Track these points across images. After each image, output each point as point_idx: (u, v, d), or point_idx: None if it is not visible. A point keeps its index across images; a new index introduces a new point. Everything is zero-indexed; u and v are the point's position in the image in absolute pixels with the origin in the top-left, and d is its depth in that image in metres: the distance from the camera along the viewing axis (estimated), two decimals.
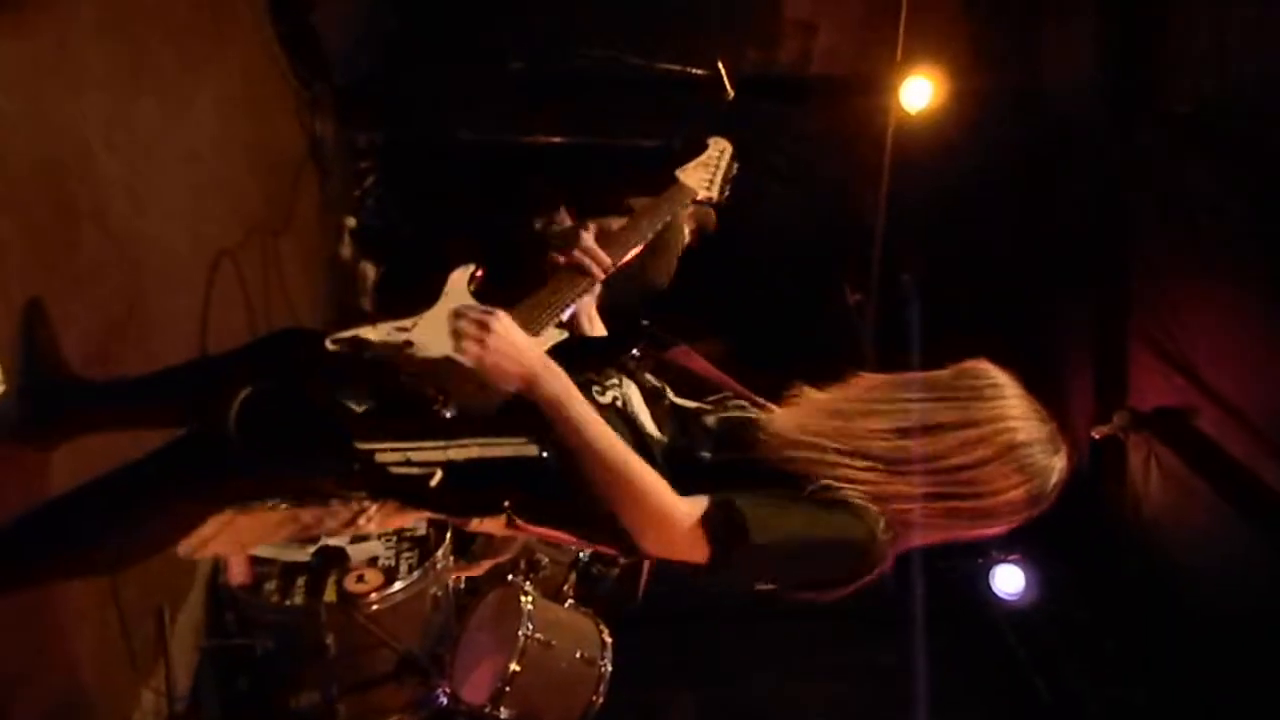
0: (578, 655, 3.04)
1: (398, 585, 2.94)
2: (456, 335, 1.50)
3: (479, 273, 1.78)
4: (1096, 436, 4.26)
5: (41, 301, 2.12)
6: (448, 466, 1.49)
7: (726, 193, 2.23)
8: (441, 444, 1.50)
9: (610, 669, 3.10)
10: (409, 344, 1.60)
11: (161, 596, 2.76)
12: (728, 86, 4.48)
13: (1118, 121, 4.32)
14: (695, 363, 1.83)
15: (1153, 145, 4.07)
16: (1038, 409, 1.59)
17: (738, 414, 1.73)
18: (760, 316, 5.47)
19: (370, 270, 4.58)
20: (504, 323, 1.52)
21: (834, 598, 1.55)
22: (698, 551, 1.45)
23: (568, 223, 4.57)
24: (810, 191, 5.45)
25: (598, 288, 1.84)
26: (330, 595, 2.93)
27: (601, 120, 4.81)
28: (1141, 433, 4.11)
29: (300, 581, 2.99)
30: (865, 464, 1.53)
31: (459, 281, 1.77)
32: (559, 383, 1.50)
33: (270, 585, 2.99)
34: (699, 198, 2.15)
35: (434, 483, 1.47)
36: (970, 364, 1.64)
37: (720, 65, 4.47)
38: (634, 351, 1.70)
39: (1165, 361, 4.00)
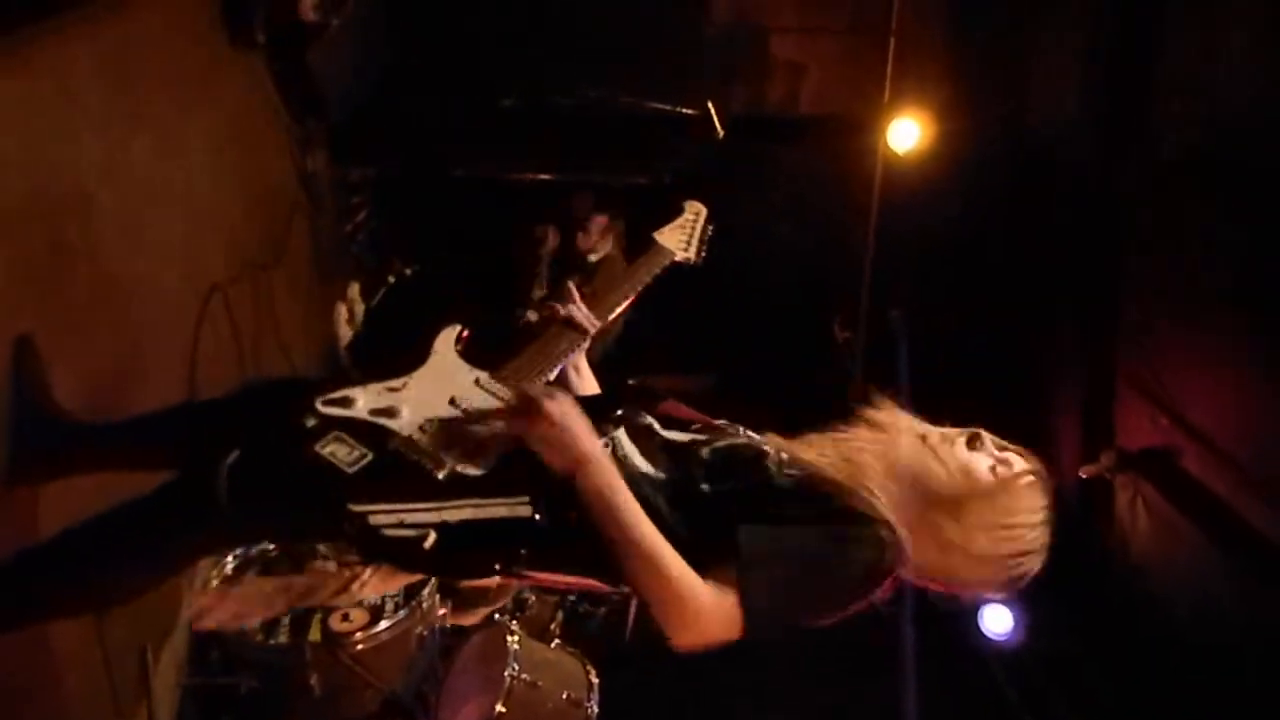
0: (564, 696, 3.02)
1: (383, 624, 2.92)
2: (520, 406, 1.53)
3: (465, 334, 1.79)
4: (1084, 476, 4.27)
5: (33, 338, 2.12)
6: (441, 528, 1.47)
7: (703, 254, 2.27)
8: (435, 505, 1.48)
9: (597, 710, 3.08)
10: (397, 412, 1.61)
11: (146, 634, 2.75)
12: (718, 125, 4.54)
13: (1104, 161, 4.38)
14: (683, 413, 1.83)
15: (1139, 186, 4.12)
16: (1048, 505, 1.61)
17: (731, 441, 1.72)
18: (749, 353, 5.50)
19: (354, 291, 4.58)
20: (567, 405, 1.52)
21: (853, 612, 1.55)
22: (729, 631, 1.43)
23: (553, 243, 4.64)
24: (799, 229, 5.51)
25: (586, 344, 1.87)
26: (315, 634, 2.91)
27: (593, 157, 4.85)
28: (1128, 473, 4.13)
29: (285, 620, 2.97)
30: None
31: (446, 341, 1.78)
32: (605, 475, 1.49)
33: (254, 623, 2.97)
34: (677, 258, 2.19)
35: (428, 544, 1.45)
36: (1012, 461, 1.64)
37: (710, 105, 4.53)
38: (619, 411, 1.70)
39: (1151, 402, 4.02)
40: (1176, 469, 3.88)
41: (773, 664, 3.96)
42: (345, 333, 4.52)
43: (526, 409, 1.52)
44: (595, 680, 3.16)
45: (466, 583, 1.63)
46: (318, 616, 2.96)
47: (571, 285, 1.92)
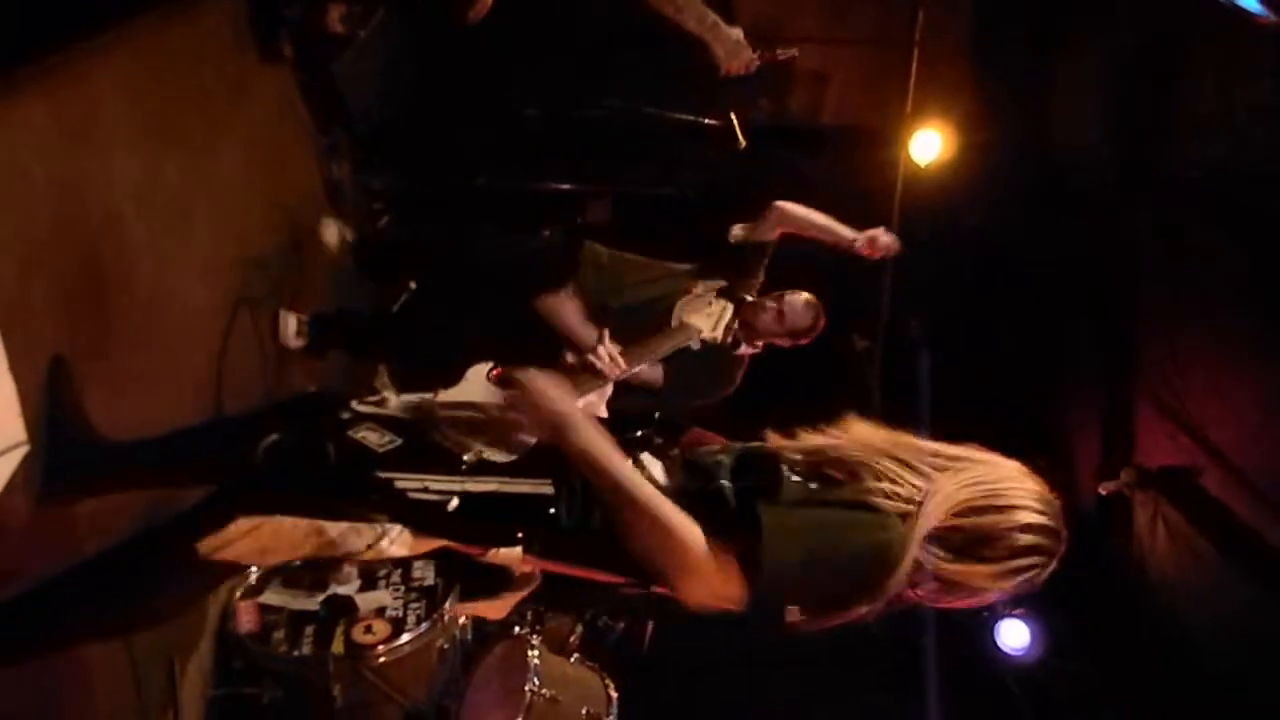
0: (584, 711, 3.05)
1: (405, 637, 2.95)
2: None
3: (495, 372, 1.86)
4: (1103, 492, 4.27)
5: (66, 360, 2.16)
6: (464, 496, 1.58)
7: (730, 338, 2.57)
8: (460, 478, 1.59)
9: None
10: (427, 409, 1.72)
11: (172, 645, 2.78)
12: (739, 136, 4.54)
13: (1125, 182, 4.37)
14: (709, 439, 1.85)
15: (1160, 207, 4.11)
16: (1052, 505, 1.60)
17: (747, 445, 1.74)
18: (766, 361, 5.50)
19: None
20: (537, 378, 1.61)
21: (861, 616, 1.54)
22: (732, 587, 1.46)
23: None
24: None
25: (609, 389, 1.99)
26: (338, 646, 2.94)
27: (615, 168, 4.86)
28: (1148, 490, 4.12)
29: (308, 631, 3.00)
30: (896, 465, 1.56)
31: (477, 374, 1.86)
32: (585, 433, 1.54)
33: (279, 634, 3.00)
34: (705, 336, 2.46)
35: (451, 507, 1.56)
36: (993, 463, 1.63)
37: (732, 115, 4.53)
38: (639, 433, 1.74)
39: (1171, 421, 4.02)
40: (1196, 488, 3.88)
41: (790, 675, 3.98)
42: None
43: (508, 386, 1.63)
44: (614, 695, 3.18)
45: (489, 556, 1.66)
46: (341, 628, 2.99)
47: (605, 333, 2.06)
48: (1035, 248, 5.06)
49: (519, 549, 1.61)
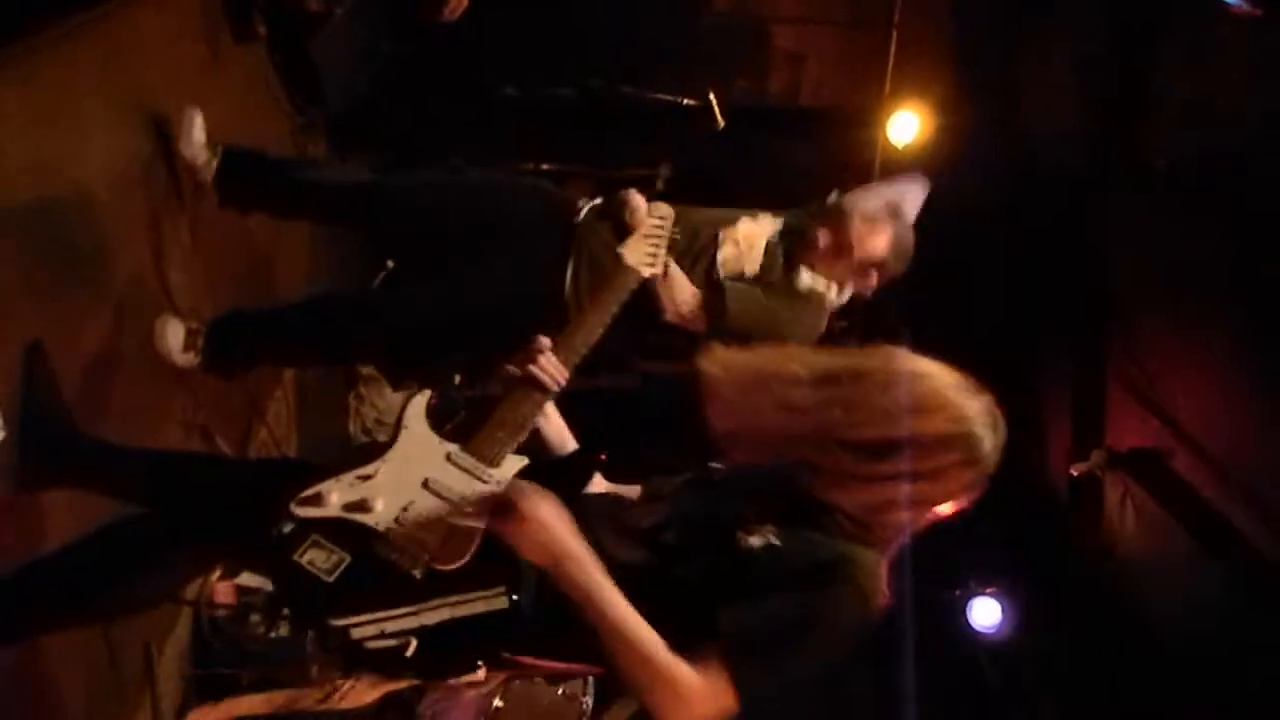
0: (560, 691, 3.08)
1: None
2: (496, 508, 1.54)
3: (433, 402, 1.78)
4: (1074, 474, 4.32)
5: (43, 348, 2.14)
6: (420, 633, 1.50)
7: (670, 265, 2.21)
8: (413, 609, 1.50)
9: (591, 705, 3.14)
10: (371, 505, 1.60)
11: (149, 628, 2.79)
12: (717, 116, 4.53)
13: (1098, 163, 4.40)
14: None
15: (1132, 195, 4.14)
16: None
17: (693, 509, 1.68)
18: None
19: None
20: (543, 504, 1.51)
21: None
22: (723, 714, 1.43)
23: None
24: None
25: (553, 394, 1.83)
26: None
27: (593, 149, 4.85)
28: (1118, 472, 4.18)
29: (285, 613, 3.01)
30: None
31: (415, 413, 1.76)
32: (584, 571, 1.47)
33: (256, 617, 3.02)
34: (644, 276, 2.09)
35: (409, 653, 1.49)
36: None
37: (711, 95, 4.52)
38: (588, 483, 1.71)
39: (1142, 404, 4.07)
40: (1165, 470, 3.93)
41: None
42: None
43: (502, 511, 1.51)
44: (591, 675, 3.20)
45: (450, 683, 1.63)
46: None
47: (541, 339, 1.85)
48: (1009, 231, 5.10)
49: (482, 673, 1.57)
